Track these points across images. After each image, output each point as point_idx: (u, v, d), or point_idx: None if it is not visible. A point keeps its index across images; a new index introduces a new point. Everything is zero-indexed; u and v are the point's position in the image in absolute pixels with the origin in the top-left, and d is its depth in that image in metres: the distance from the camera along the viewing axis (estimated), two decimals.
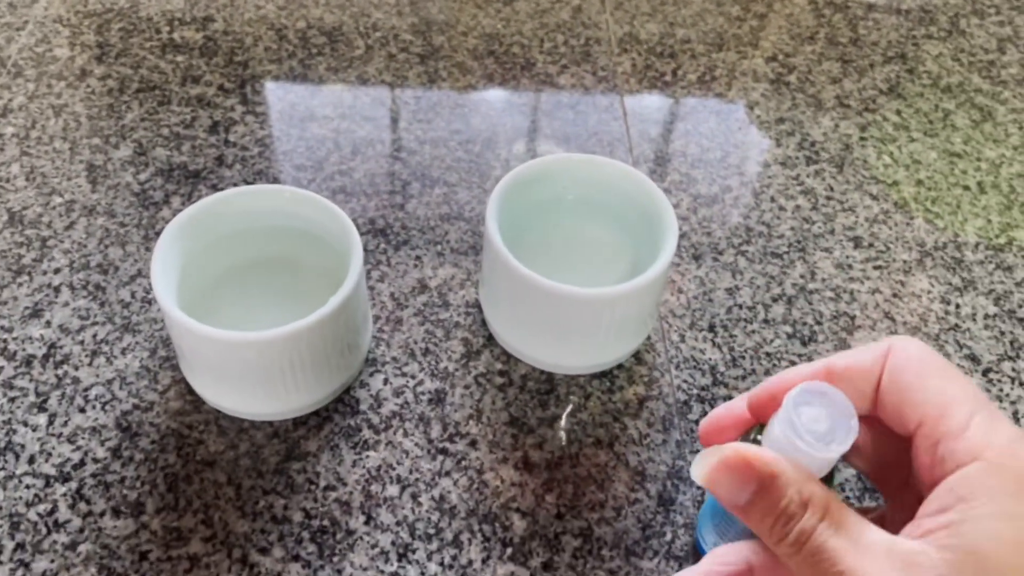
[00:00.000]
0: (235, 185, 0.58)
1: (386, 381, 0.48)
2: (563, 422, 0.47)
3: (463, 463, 0.45)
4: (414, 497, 0.44)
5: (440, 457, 0.45)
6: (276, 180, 0.59)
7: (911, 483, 0.30)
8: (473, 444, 0.46)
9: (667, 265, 0.45)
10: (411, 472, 0.45)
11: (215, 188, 0.58)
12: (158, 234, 0.55)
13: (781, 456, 0.27)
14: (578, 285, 0.43)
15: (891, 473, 0.32)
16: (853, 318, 0.54)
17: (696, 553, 0.42)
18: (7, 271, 0.52)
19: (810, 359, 0.51)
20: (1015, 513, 0.25)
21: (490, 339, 0.51)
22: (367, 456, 0.45)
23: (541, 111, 0.66)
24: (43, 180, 0.58)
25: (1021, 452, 0.26)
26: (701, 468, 0.28)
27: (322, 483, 0.44)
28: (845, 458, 0.30)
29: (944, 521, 0.26)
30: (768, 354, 0.51)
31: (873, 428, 0.31)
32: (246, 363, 0.42)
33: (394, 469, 0.45)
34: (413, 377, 0.49)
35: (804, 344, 0.52)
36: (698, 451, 0.46)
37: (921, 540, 0.26)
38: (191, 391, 0.47)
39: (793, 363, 0.51)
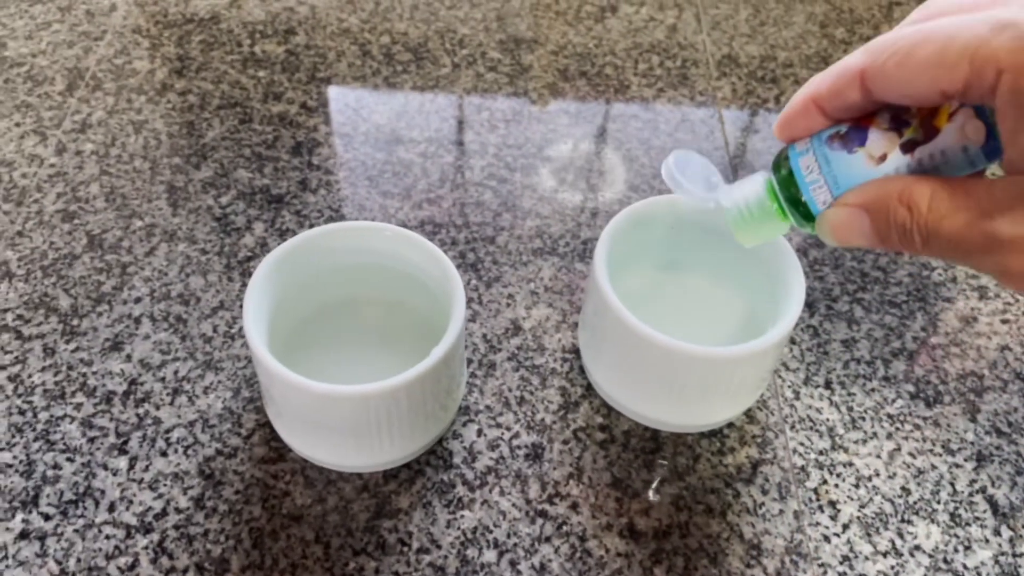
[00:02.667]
0: (319, 211, 0.56)
1: (480, 432, 0.45)
2: (670, 486, 0.44)
3: (564, 528, 0.42)
4: (513, 565, 0.41)
5: (539, 520, 0.42)
6: (362, 208, 0.56)
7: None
8: (574, 507, 0.43)
9: (794, 323, 0.41)
10: (509, 536, 0.42)
11: (298, 214, 0.55)
12: (240, 262, 0.52)
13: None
14: (686, 337, 0.40)
15: None
16: (981, 378, 0.49)
17: None
18: (87, 299, 0.50)
19: (936, 423, 0.47)
20: None
21: (589, 389, 0.48)
22: (462, 516, 0.42)
23: (638, 139, 0.62)
24: (123, 202, 0.56)
25: None
26: (825, 235, 0.30)
27: (415, 544, 0.41)
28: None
29: None
30: (890, 416, 0.47)
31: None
32: (341, 416, 0.39)
33: (491, 532, 0.42)
34: (508, 429, 0.46)
35: (929, 406, 0.48)
36: (819, 523, 0.42)
37: None
38: (275, 436, 0.44)
39: (918, 427, 0.47)
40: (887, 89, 0.28)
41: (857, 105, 0.29)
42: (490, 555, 0.41)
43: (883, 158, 0.29)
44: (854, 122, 0.30)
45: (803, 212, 0.32)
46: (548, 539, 0.42)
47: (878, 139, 0.29)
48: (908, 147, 0.28)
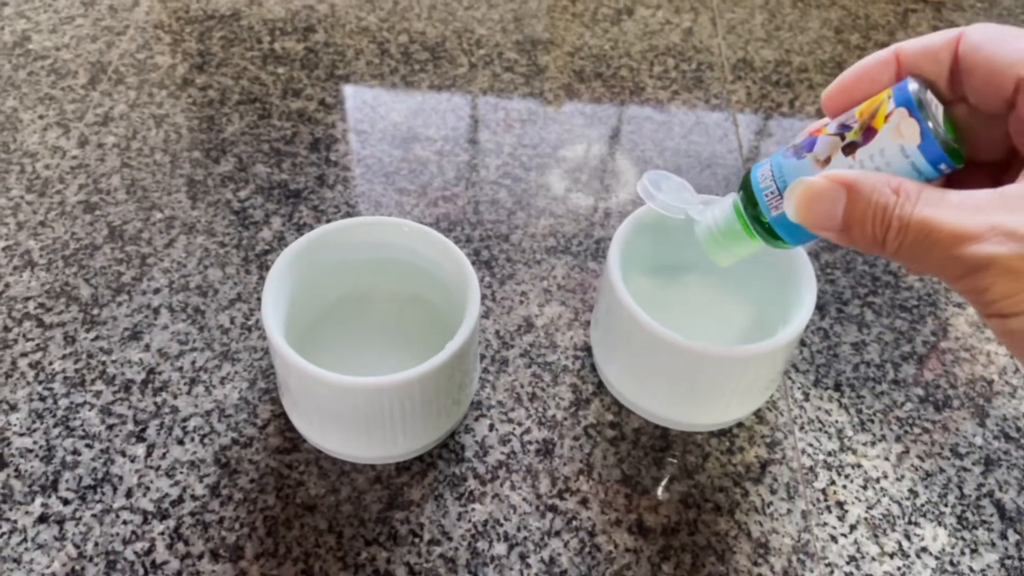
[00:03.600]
0: (336, 207, 0.56)
1: (492, 427, 0.46)
2: (678, 483, 0.44)
3: (573, 523, 0.43)
4: (523, 558, 0.41)
5: (549, 515, 0.43)
6: (378, 204, 0.57)
7: (1011, 165, 0.29)
8: (584, 503, 0.43)
9: (805, 324, 0.42)
10: (519, 530, 0.42)
11: (316, 209, 0.56)
12: (257, 256, 0.53)
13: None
14: (698, 338, 0.40)
15: (985, 159, 0.31)
16: (991, 383, 0.50)
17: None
18: (107, 288, 0.51)
19: (944, 427, 0.47)
20: None
21: (600, 386, 0.48)
22: (473, 509, 0.43)
23: (652, 140, 0.63)
24: (144, 194, 0.56)
25: None
26: (790, 205, 0.29)
27: (426, 536, 0.42)
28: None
29: None
30: (899, 419, 0.48)
31: (960, 114, 0.30)
32: (355, 408, 0.40)
33: (501, 525, 0.42)
34: (520, 424, 0.46)
35: (938, 410, 0.48)
36: (826, 523, 0.43)
37: None
38: (290, 427, 0.45)
39: (926, 430, 0.47)
40: (975, 63, 0.28)
41: (937, 71, 0.29)
42: (500, 548, 0.41)
43: (827, 161, 0.29)
44: (808, 135, 0.31)
45: (766, 228, 0.32)
46: (558, 533, 0.42)
47: (824, 144, 0.30)
48: (849, 149, 0.29)
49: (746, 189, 0.33)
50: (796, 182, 0.29)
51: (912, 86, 0.28)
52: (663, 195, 0.38)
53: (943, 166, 0.28)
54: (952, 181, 0.31)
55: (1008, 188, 0.25)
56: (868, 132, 0.28)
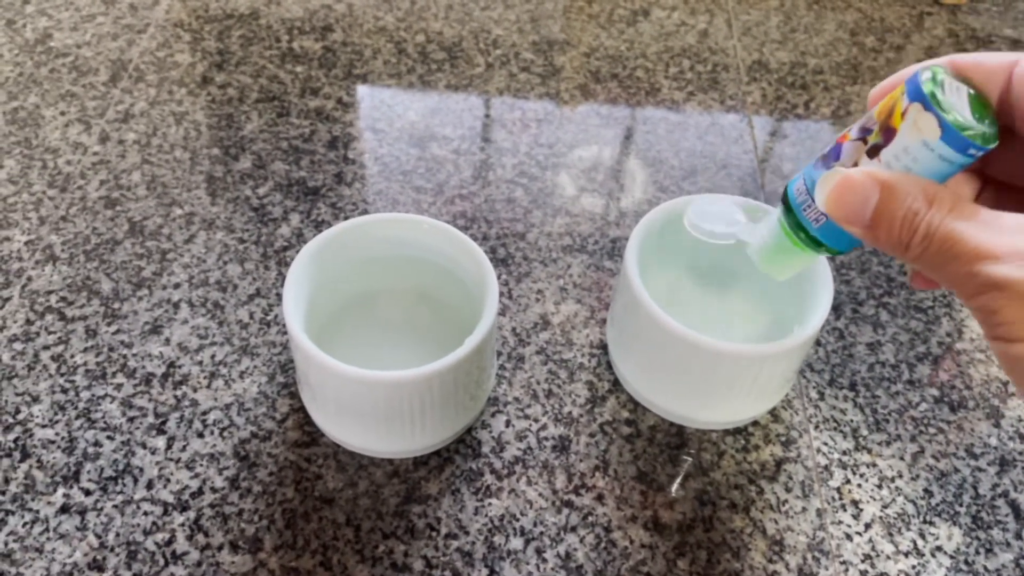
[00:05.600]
0: (354, 204, 0.57)
1: (508, 423, 0.46)
2: (694, 480, 0.44)
3: (589, 519, 0.43)
4: (539, 552, 0.41)
5: (565, 510, 0.43)
6: (395, 202, 0.57)
7: None
8: (600, 499, 0.44)
9: (821, 324, 0.42)
10: (535, 525, 0.42)
11: (333, 206, 0.57)
12: (276, 252, 0.54)
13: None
14: (713, 336, 0.41)
15: (1010, 186, 0.31)
16: (1006, 384, 0.50)
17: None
18: (128, 283, 0.51)
19: (960, 427, 0.48)
20: None
21: (616, 384, 0.48)
22: (489, 504, 0.43)
23: (667, 141, 0.63)
24: (164, 190, 0.57)
25: None
26: (822, 194, 0.28)
27: (443, 530, 0.42)
28: (984, 171, 0.31)
29: None
30: (914, 419, 0.48)
31: (1005, 142, 0.29)
32: (375, 402, 0.40)
33: (518, 520, 0.43)
34: (536, 421, 0.47)
35: (953, 410, 0.48)
36: (841, 521, 0.43)
37: None
38: (309, 421, 0.46)
39: (941, 430, 0.47)
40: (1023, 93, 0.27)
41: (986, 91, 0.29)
42: (517, 542, 0.42)
43: (855, 167, 0.29)
44: (836, 143, 0.30)
45: (813, 239, 0.32)
46: (574, 529, 0.42)
47: (849, 150, 0.29)
48: (873, 152, 0.28)
49: (785, 204, 0.33)
50: (832, 171, 0.29)
51: (923, 76, 0.27)
52: (709, 224, 0.38)
53: (972, 151, 0.27)
54: (998, 201, 0.31)
55: None
56: (888, 132, 0.28)
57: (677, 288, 0.50)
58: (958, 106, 0.27)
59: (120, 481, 0.43)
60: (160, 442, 0.44)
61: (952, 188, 0.30)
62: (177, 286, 0.51)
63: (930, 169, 0.27)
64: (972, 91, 0.28)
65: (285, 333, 0.49)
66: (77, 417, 0.45)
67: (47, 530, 0.41)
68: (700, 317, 0.49)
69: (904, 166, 0.28)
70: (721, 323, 0.49)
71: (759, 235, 0.35)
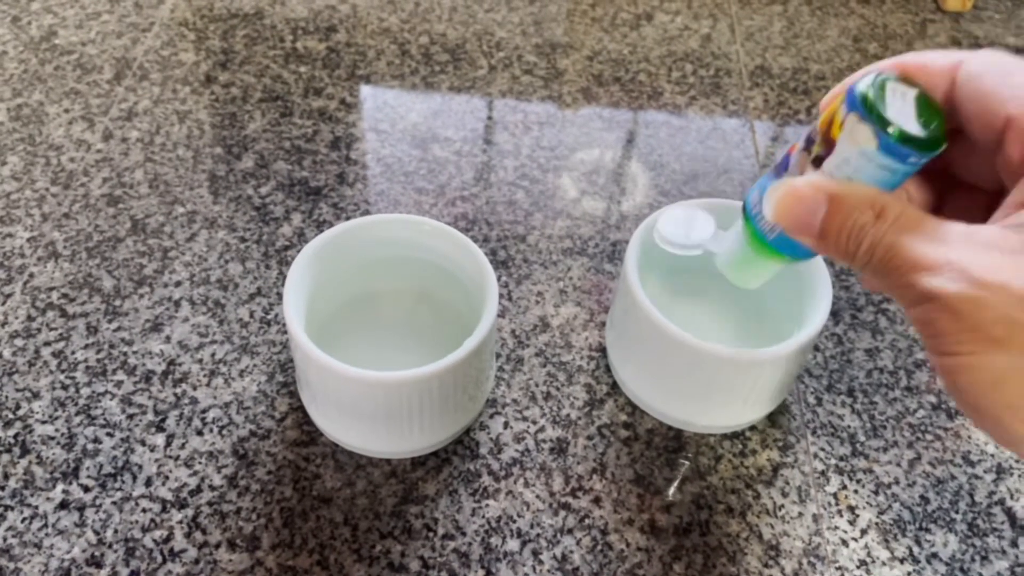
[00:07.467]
0: (356, 204, 0.57)
1: (506, 425, 0.46)
2: (690, 484, 0.45)
3: (586, 521, 0.43)
4: (535, 554, 0.42)
5: (562, 512, 0.43)
6: (397, 202, 0.57)
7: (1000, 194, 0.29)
8: (597, 501, 0.44)
9: (819, 329, 0.42)
10: (532, 527, 0.43)
11: (335, 207, 0.57)
12: (277, 251, 0.54)
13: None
14: (713, 341, 0.41)
15: (975, 187, 0.31)
16: None
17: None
18: (129, 281, 0.52)
19: (957, 434, 0.48)
20: None
21: (614, 387, 0.48)
22: (487, 505, 0.43)
23: (669, 145, 0.63)
24: (166, 188, 0.57)
25: None
26: (770, 204, 0.28)
27: (440, 531, 0.42)
28: (949, 173, 0.31)
29: None
30: (912, 425, 0.48)
31: (952, 144, 0.29)
32: (374, 402, 0.41)
33: (514, 522, 0.43)
34: (534, 423, 0.47)
35: (950, 417, 0.48)
36: (837, 527, 0.43)
37: (1002, 225, 0.25)
38: (308, 421, 0.46)
39: (938, 437, 0.48)
40: (969, 94, 0.27)
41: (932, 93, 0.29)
42: (513, 544, 0.42)
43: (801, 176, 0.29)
44: (787, 153, 0.30)
45: (771, 248, 0.32)
46: (570, 531, 0.43)
47: (796, 161, 0.29)
48: (817, 162, 0.28)
49: (745, 214, 0.33)
50: (781, 182, 0.28)
51: (862, 85, 0.27)
52: (679, 236, 0.38)
53: (913, 159, 0.27)
54: (952, 201, 0.31)
55: (980, 228, 0.25)
56: (828, 143, 0.28)
57: (676, 292, 0.50)
58: (903, 112, 0.27)
59: (119, 478, 0.43)
60: (159, 439, 0.45)
61: (907, 193, 0.30)
62: (178, 284, 0.52)
63: (873, 177, 0.27)
64: (919, 95, 0.28)
65: (285, 332, 0.49)
66: (77, 413, 0.45)
67: (46, 526, 0.41)
68: (699, 321, 0.49)
69: (846, 176, 0.27)
70: (721, 326, 0.49)
71: (725, 246, 0.35)
